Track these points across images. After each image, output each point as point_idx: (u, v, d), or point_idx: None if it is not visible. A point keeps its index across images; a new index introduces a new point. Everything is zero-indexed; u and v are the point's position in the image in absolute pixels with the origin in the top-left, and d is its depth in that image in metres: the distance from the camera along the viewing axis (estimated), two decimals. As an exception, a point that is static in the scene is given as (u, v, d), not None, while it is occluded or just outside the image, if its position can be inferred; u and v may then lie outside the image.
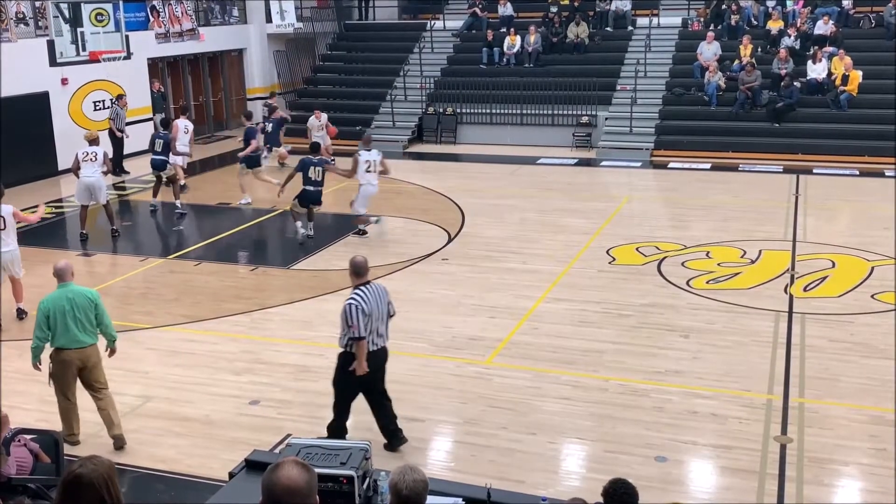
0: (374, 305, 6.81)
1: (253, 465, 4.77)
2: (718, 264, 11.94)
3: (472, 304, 10.58)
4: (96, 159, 13.41)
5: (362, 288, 6.85)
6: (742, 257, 12.24)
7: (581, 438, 7.41)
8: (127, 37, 19.90)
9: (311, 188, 13.18)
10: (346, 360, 6.95)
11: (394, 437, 7.18)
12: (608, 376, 8.50)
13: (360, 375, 6.88)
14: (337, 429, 7.17)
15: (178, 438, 7.50)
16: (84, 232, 13.74)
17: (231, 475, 4.88)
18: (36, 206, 11.89)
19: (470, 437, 7.44)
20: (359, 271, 6.92)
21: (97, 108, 19.45)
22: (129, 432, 7.53)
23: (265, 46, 25.02)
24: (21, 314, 10.30)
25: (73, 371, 7.22)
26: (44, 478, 6.07)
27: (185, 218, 15.42)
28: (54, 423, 7.30)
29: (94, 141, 13.67)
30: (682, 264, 11.93)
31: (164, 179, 15.67)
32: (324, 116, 18.87)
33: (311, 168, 13.17)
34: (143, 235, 15.01)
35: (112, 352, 7.55)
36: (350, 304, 6.75)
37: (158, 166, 15.50)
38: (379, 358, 7.01)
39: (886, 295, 10.55)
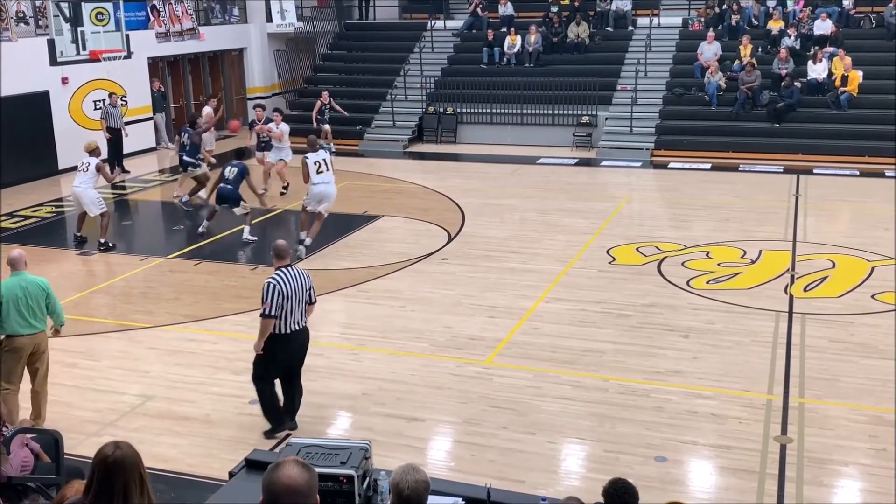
0: (293, 288, 7.16)
1: (253, 465, 4.77)
2: (718, 264, 11.94)
3: (472, 304, 10.58)
4: (87, 170, 13.19)
5: (283, 270, 7.28)
6: (742, 257, 12.24)
7: (581, 438, 7.41)
8: (127, 36, 19.88)
9: (221, 184, 13.40)
10: (268, 342, 7.26)
11: (290, 417, 7.52)
12: (608, 376, 8.50)
13: (285, 356, 7.28)
14: (271, 411, 7.41)
15: (178, 438, 7.51)
16: (79, 234, 13.65)
17: (231, 475, 4.88)
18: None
19: (470, 437, 7.44)
20: (280, 254, 7.38)
21: (97, 107, 19.43)
22: (129, 431, 7.53)
23: (265, 46, 25.03)
24: None
25: (24, 357, 7.44)
26: (44, 477, 6.05)
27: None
28: (51, 422, 7.31)
29: (92, 152, 13.42)
30: (683, 264, 11.93)
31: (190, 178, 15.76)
32: (278, 127, 16.14)
33: (228, 168, 13.49)
34: (143, 235, 15.00)
35: (56, 332, 7.83)
36: (269, 282, 7.13)
37: (184, 165, 15.62)
38: (300, 338, 7.36)
39: (886, 295, 10.55)
